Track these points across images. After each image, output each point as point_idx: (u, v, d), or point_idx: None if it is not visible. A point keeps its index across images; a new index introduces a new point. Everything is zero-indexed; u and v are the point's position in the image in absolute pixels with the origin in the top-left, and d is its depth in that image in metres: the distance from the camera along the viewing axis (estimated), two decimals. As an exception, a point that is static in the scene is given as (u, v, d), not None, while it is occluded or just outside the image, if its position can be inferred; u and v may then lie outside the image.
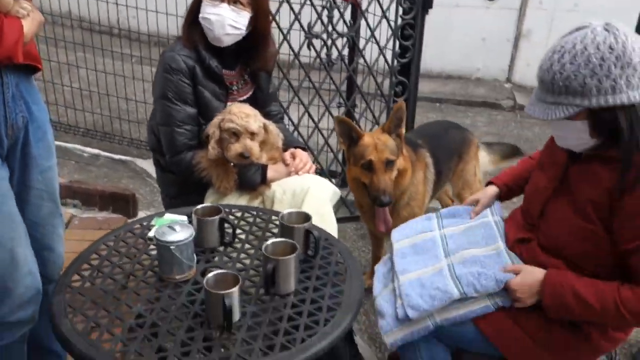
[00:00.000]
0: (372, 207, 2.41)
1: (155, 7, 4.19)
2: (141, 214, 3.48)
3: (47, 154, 1.68)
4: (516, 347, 1.61)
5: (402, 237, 1.94)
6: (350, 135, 2.30)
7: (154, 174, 3.99)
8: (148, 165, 4.04)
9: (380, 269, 1.93)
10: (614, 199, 1.47)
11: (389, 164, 2.27)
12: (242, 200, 2.26)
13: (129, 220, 3.27)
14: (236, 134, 2.14)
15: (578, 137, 1.52)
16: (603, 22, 1.44)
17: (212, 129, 2.17)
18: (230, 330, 1.40)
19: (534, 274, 1.60)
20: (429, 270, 1.74)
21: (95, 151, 4.33)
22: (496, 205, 1.98)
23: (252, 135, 2.15)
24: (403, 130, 2.33)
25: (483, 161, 2.97)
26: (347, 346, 2.14)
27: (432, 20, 5.80)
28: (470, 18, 5.94)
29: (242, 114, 2.15)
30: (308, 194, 2.18)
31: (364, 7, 3.09)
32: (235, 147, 2.14)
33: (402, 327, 1.68)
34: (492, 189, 2.00)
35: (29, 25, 1.49)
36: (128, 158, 4.24)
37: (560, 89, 1.44)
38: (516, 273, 1.62)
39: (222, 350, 1.35)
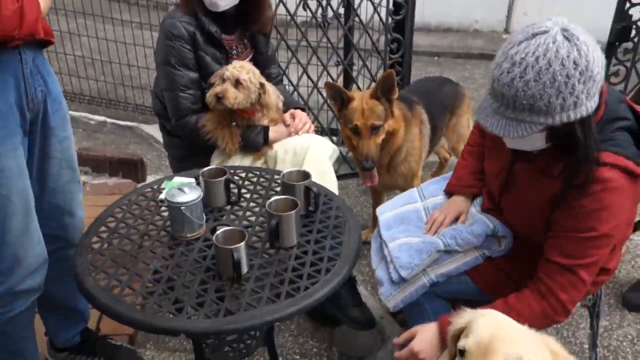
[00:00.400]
0: None
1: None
2: (150, 179, 3.60)
3: (64, 124, 1.77)
4: (503, 293, 1.69)
5: (386, 210, 2.03)
6: (341, 97, 2.36)
7: (160, 139, 4.08)
8: (154, 130, 4.14)
9: (373, 244, 2.01)
10: (559, 194, 1.52)
11: (375, 129, 2.33)
12: (246, 161, 2.36)
13: (139, 185, 3.38)
14: (223, 80, 2.23)
15: (532, 145, 1.52)
16: (560, 26, 1.36)
17: (214, 78, 2.26)
18: (240, 282, 1.53)
19: (428, 327, 1.60)
20: (415, 237, 1.86)
21: (102, 118, 4.43)
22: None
23: (238, 83, 2.22)
24: (395, 96, 2.37)
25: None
26: (350, 295, 2.28)
27: (429, -28, 5.82)
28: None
29: (238, 65, 2.24)
30: (308, 153, 2.28)
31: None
32: (214, 89, 2.23)
33: (400, 289, 1.82)
34: (461, 199, 1.95)
35: (44, 0, 1.56)
36: (134, 124, 4.33)
37: (523, 107, 1.37)
38: (411, 338, 1.61)
39: (234, 299, 1.48)
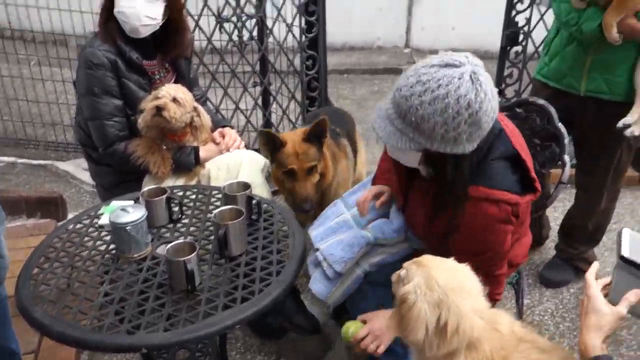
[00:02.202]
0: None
1: (47, 4, 4.09)
2: (70, 216, 3.49)
3: None
4: None
5: (316, 226, 2.11)
6: (273, 142, 2.30)
7: (77, 175, 3.99)
8: (69, 167, 4.02)
9: (308, 259, 2.06)
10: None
11: (310, 170, 2.32)
12: (179, 183, 2.38)
13: (59, 224, 3.28)
14: (158, 98, 2.24)
15: (407, 160, 1.63)
16: (472, 67, 1.44)
17: (144, 103, 2.27)
18: (195, 292, 1.56)
19: (378, 312, 1.70)
20: (344, 234, 1.97)
21: (11, 159, 4.23)
22: None
23: (175, 100, 2.24)
24: (326, 140, 2.37)
25: None
26: (294, 303, 2.34)
27: (331, -5, 6.06)
28: (366, -10, 6.21)
29: (172, 87, 2.29)
30: (242, 167, 2.34)
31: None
32: (152, 102, 2.23)
33: (338, 285, 1.92)
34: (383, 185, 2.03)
35: None
36: (47, 162, 4.17)
37: (411, 123, 1.47)
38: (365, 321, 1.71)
39: (191, 309, 1.51)
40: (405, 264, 1.38)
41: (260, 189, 2.36)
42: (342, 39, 6.41)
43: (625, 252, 1.24)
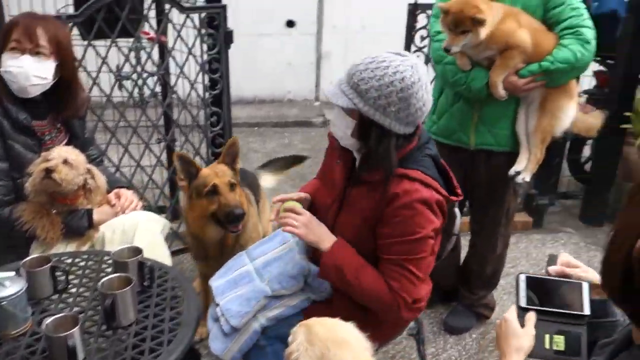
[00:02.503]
0: (218, 249, 2.47)
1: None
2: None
3: None
4: None
5: (217, 278, 2.09)
6: (189, 170, 2.35)
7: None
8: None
9: (208, 313, 2.04)
10: (380, 213, 1.76)
11: (232, 186, 2.35)
12: (71, 248, 2.27)
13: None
14: (48, 160, 2.15)
15: (344, 131, 1.77)
16: (417, 62, 1.68)
17: (33, 167, 2.17)
18: (77, 370, 1.46)
19: (327, 232, 1.86)
20: (243, 288, 1.95)
21: None
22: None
23: (66, 162, 2.16)
24: (238, 165, 2.45)
25: (269, 181, 3.24)
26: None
27: (241, 50, 6.12)
28: (275, 45, 6.37)
29: (64, 149, 2.20)
30: (138, 229, 2.26)
31: (170, 45, 3.24)
32: (42, 165, 2.13)
33: (235, 341, 1.88)
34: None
35: None
36: None
37: (352, 85, 1.68)
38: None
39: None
40: (293, 329, 1.38)
41: (159, 250, 2.29)
42: (252, 92, 6.50)
43: (522, 302, 1.32)
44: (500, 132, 2.53)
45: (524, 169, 2.52)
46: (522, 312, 1.31)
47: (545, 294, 1.33)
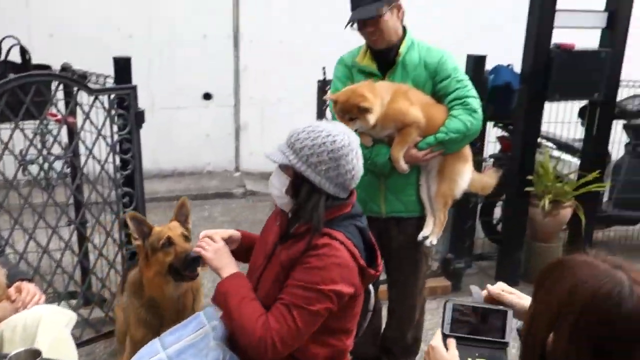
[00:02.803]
0: (174, 313, 2.50)
1: None
2: None
3: None
4: None
5: None
6: (142, 229, 2.50)
7: None
8: None
9: None
10: (296, 260, 1.85)
11: (186, 238, 2.50)
12: (-36, 351, 2.09)
13: None
14: None
15: (280, 189, 1.89)
16: (352, 134, 1.87)
17: None
18: None
19: (232, 264, 1.96)
20: None
21: None
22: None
23: None
24: (190, 225, 2.61)
25: None
26: None
27: (158, 122, 6.15)
28: (193, 117, 6.37)
29: None
30: (41, 323, 2.12)
31: (79, 125, 3.16)
32: None
33: None
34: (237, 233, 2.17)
35: None
36: None
37: (289, 144, 1.83)
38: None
39: None
40: None
41: (65, 346, 2.15)
42: (171, 165, 6.42)
43: (446, 330, 1.37)
44: (408, 199, 2.67)
45: (431, 232, 2.66)
46: (445, 338, 1.36)
47: (472, 320, 1.39)
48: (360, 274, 1.86)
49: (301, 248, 1.82)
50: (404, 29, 2.62)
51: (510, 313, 1.38)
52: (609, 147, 4.55)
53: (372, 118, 2.42)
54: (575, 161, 4.53)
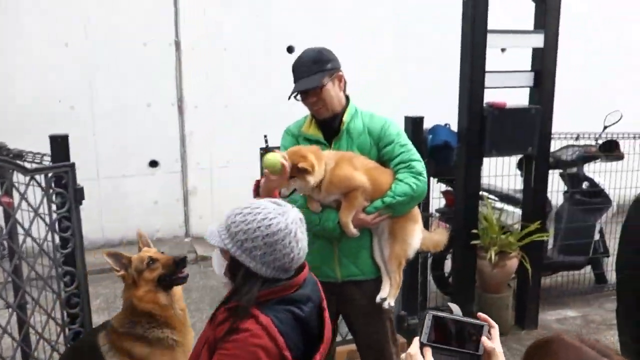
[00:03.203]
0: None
1: None
2: None
3: None
4: None
5: None
6: (122, 261, 2.71)
7: None
8: None
9: None
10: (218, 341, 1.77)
11: (163, 253, 2.75)
12: None
13: None
14: None
15: (220, 270, 1.87)
16: (295, 215, 1.79)
17: None
18: None
19: None
20: None
21: None
22: None
23: None
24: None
25: None
26: None
27: (104, 192, 6.04)
28: (140, 185, 6.29)
29: None
30: None
31: (15, 204, 3.07)
32: None
33: None
34: None
35: None
36: None
37: (226, 226, 1.77)
38: None
39: None
40: None
41: None
42: (119, 234, 6.27)
43: (424, 339, 1.36)
44: (363, 262, 2.68)
45: (388, 294, 2.65)
46: (422, 347, 1.36)
47: (449, 331, 1.39)
48: None
49: (226, 328, 1.75)
50: (347, 98, 2.70)
51: (486, 327, 1.40)
52: (550, 196, 4.73)
53: (311, 179, 2.45)
54: (518, 211, 4.67)
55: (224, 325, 1.77)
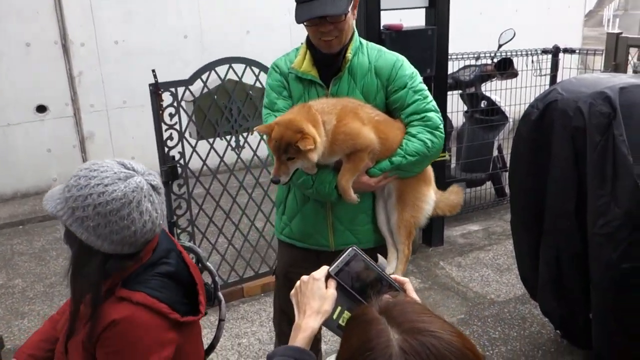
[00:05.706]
0: None
1: None
2: None
3: None
4: None
5: None
6: None
7: None
8: None
9: None
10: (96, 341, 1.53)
11: None
12: None
13: None
14: None
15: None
16: (144, 179, 1.50)
17: None
18: None
19: None
20: None
21: None
22: None
23: None
24: None
25: None
26: None
27: (-13, 145, 5.53)
28: (29, 133, 5.83)
29: None
30: None
31: None
32: None
33: None
34: None
35: None
36: None
37: (65, 188, 1.49)
38: None
39: None
40: None
41: None
42: (11, 187, 5.87)
43: (333, 270, 1.31)
44: (361, 229, 2.28)
45: (395, 269, 2.26)
46: (329, 277, 1.31)
47: (360, 276, 1.32)
48: (176, 325, 1.58)
49: (96, 323, 1.50)
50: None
51: (400, 293, 1.31)
52: (450, 117, 4.82)
53: (314, 156, 2.00)
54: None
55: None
